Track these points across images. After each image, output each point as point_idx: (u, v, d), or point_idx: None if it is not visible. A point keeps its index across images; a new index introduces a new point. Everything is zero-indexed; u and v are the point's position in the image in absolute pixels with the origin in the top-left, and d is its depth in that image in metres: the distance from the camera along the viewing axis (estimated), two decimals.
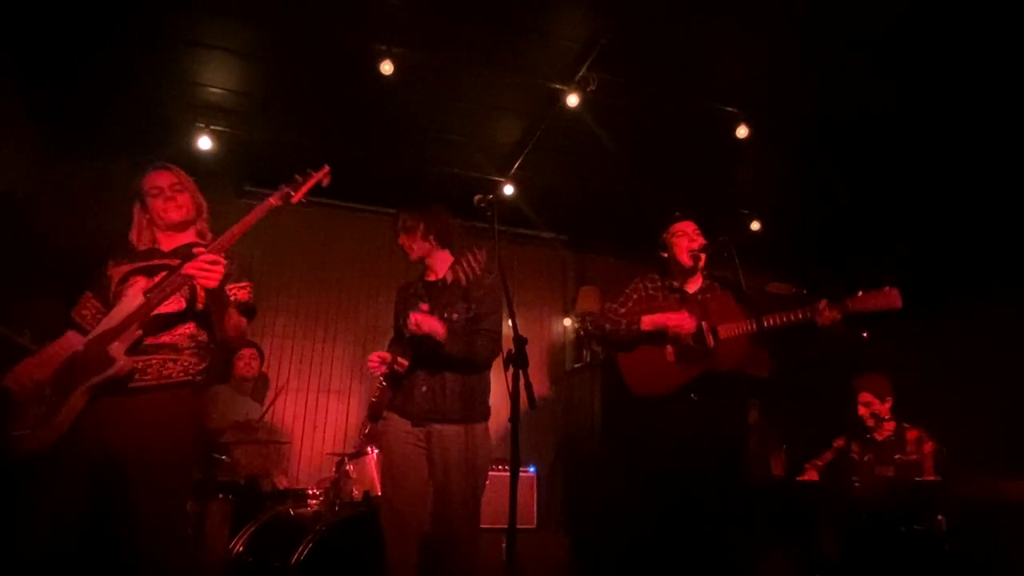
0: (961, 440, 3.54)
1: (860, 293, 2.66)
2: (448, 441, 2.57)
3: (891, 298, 2.62)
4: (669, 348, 2.86)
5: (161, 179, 2.25)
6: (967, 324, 4.57)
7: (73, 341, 2.10)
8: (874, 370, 3.85)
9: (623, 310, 2.99)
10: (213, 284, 1.90)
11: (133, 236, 2.27)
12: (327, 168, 2.20)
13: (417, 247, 2.74)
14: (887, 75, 3.47)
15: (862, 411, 3.69)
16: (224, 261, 1.93)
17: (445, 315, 2.61)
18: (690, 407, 2.79)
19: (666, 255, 3.04)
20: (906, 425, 3.63)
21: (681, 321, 2.79)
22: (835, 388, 4.46)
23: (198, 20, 3.32)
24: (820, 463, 3.82)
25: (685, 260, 2.94)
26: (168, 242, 2.25)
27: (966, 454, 3.47)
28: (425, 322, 2.50)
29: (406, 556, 2.46)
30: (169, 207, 2.21)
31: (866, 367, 3.98)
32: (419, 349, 2.60)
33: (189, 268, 1.90)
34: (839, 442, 3.83)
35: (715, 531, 2.67)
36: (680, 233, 2.99)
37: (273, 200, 2.13)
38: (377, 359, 2.63)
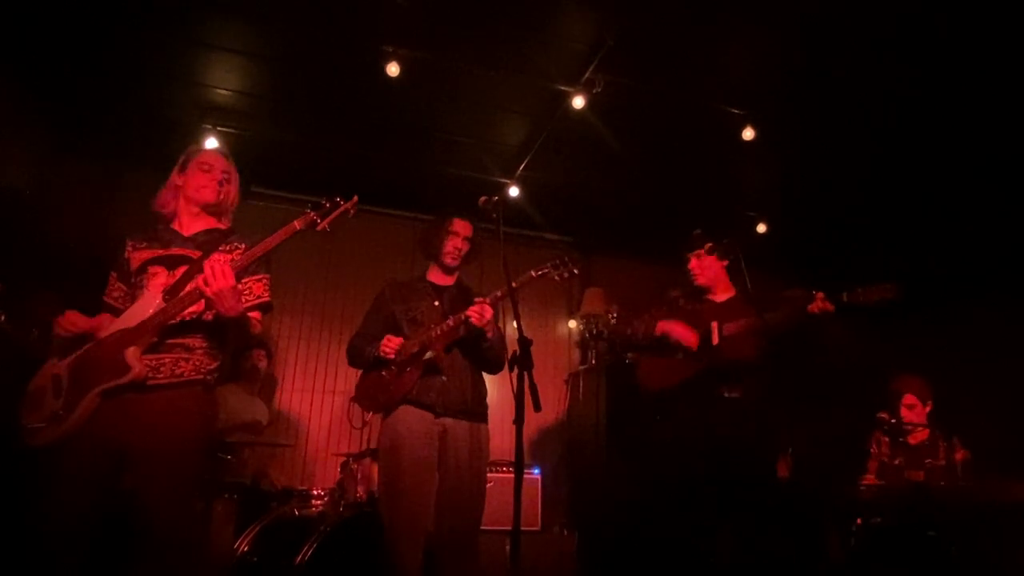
0: (967, 441, 3.52)
1: (858, 289, 2.71)
2: (461, 439, 2.61)
3: (887, 290, 2.66)
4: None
5: (216, 160, 2.26)
6: (970, 324, 4.54)
7: (111, 324, 2.08)
8: (910, 373, 3.75)
9: (646, 316, 3.06)
10: (209, 292, 1.91)
11: (160, 199, 2.25)
12: (356, 199, 2.18)
13: (464, 253, 2.87)
14: (892, 77, 3.46)
15: (905, 413, 3.57)
16: (233, 280, 1.94)
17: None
18: (698, 394, 2.85)
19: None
20: (939, 432, 3.55)
21: (685, 336, 2.86)
22: (840, 390, 4.44)
23: (206, 21, 3.34)
24: (872, 472, 3.69)
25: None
26: (190, 223, 2.23)
27: (979, 458, 3.44)
28: (488, 313, 2.58)
29: (413, 557, 2.46)
30: (210, 185, 2.21)
31: (870, 369, 3.95)
32: (451, 344, 2.68)
33: (199, 281, 1.92)
34: (874, 447, 3.71)
35: (722, 531, 2.68)
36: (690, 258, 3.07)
37: (297, 224, 2.10)
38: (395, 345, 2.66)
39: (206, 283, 1.90)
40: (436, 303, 2.79)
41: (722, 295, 3.05)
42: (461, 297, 2.81)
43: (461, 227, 2.85)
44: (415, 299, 2.81)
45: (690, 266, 3.03)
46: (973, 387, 4.11)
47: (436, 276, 2.91)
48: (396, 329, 2.77)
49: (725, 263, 3.02)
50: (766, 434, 2.86)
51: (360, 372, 2.87)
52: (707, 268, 3.00)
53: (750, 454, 2.74)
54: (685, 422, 2.86)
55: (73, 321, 2.05)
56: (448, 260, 2.84)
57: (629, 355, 3.13)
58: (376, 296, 2.94)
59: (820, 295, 2.69)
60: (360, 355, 2.79)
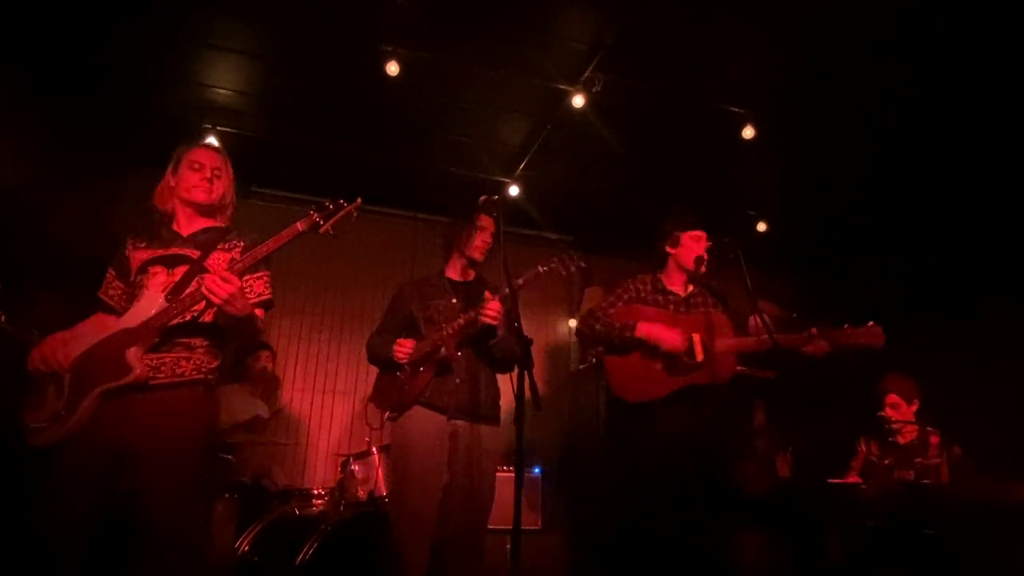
0: (967, 442, 3.52)
1: (847, 327, 2.79)
2: (472, 440, 2.61)
3: (875, 335, 2.77)
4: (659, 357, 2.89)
5: (206, 157, 2.23)
6: (970, 324, 4.54)
7: (106, 322, 2.07)
8: (898, 372, 3.72)
9: (612, 311, 2.99)
10: (218, 301, 1.90)
11: (156, 199, 2.23)
12: (359, 201, 2.15)
13: (489, 247, 2.86)
14: (892, 77, 3.46)
15: (889, 413, 3.57)
16: (239, 283, 1.92)
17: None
18: (677, 414, 2.81)
19: (671, 251, 3.04)
20: (929, 429, 3.54)
21: (674, 343, 2.80)
22: (841, 390, 4.43)
23: (206, 22, 3.34)
24: (855, 471, 3.71)
25: (690, 265, 2.98)
26: (188, 223, 2.22)
27: (975, 456, 3.44)
28: (501, 312, 2.56)
29: (420, 555, 2.46)
30: (201, 185, 2.18)
31: (871, 370, 3.94)
32: (464, 342, 2.67)
33: (207, 293, 1.90)
34: (862, 446, 3.71)
35: (711, 534, 2.69)
36: (697, 238, 3.00)
37: (300, 226, 2.08)
38: (409, 347, 2.67)
39: (213, 293, 1.88)
40: (454, 300, 2.79)
41: (683, 289, 3.03)
42: (478, 294, 2.80)
43: (487, 222, 2.85)
44: (433, 297, 2.81)
45: (702, 251, 2.95)
46: (973, 387, 4.10)
47: (455, 272, 2.91)
48: (413, 328, 2.79)
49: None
50: (724, 430, 2.91)
51: (377, 371, 2.88)
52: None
53: (709, 453, 2.79)
54: (663, 440, 2.81)
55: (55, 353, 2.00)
56: (476, 255, 2.83)
57: (595, 352, 3.12)
58: (395, 294, 2.95)
59: (815, 331, 2.74)
60: (377, 354, 2.81)
